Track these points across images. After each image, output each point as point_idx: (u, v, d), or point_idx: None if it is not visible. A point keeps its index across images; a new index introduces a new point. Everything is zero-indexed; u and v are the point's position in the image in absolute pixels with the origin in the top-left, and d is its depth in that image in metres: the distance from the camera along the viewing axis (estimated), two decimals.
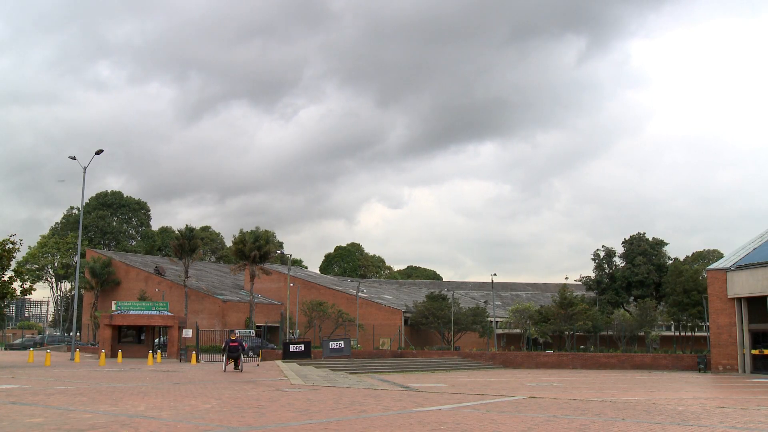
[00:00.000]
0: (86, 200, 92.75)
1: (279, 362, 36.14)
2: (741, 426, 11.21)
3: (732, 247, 49.92)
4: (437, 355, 49.05)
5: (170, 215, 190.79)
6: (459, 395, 17.35)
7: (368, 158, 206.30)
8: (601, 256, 68.69)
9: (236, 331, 50.66)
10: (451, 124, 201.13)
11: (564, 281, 68.73)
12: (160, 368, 31.45)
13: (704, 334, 55.43)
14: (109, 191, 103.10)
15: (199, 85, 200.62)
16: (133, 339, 48.80)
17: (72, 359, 40.55)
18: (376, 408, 13.63)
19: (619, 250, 68.59)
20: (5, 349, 69.64)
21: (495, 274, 63.41)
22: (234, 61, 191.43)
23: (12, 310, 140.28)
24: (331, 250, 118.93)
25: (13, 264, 35.50)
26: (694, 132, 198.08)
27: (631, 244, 67.63)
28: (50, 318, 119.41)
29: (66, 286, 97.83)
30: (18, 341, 73.66)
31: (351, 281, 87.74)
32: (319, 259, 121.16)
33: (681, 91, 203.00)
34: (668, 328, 66.21)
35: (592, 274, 68.67)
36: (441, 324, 60.39)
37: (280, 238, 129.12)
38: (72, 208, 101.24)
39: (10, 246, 33.66)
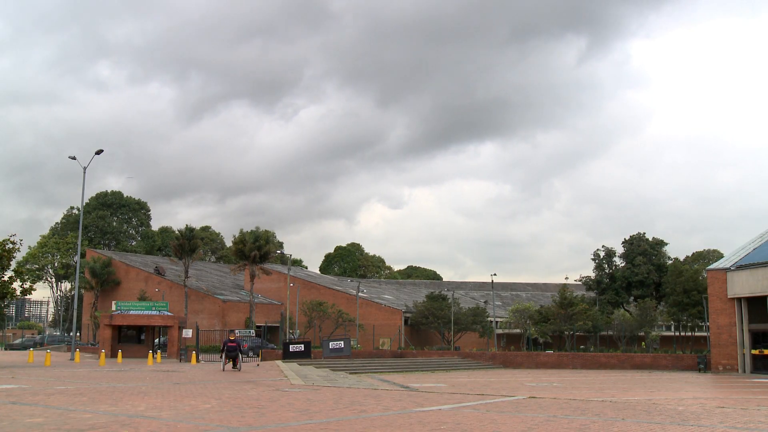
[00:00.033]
0: (86, 200, 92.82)
1: (279, 362, 36.13)
2: (741, 426, 11.21)
3: (732, 247, 49.97)
4: (437, 355, 49.05)
5: (170, 215, 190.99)
6: (459, 395, 17.35)
7: (368, 158, 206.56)
8: (601, 256, 68.69)
9: (236, 331, 50.63)
10: (451, 124, 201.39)
11: (564, 281, 68.78)
12: (160, 368, 31.45)
13: (704, 334, 55.43)
14: (109, 191, 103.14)
15: (200, 85, 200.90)
16: (133, 339, 48.81)
17: (72, 359, 40.54)
18: (376, 408, 13.62)
19: (619, 250, 68.65)
20: (5, 349, 69.63)
21: (495, 274, 63.47)
22: (234, 61, 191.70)
23: (12, 310, 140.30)
24: (331, 250, 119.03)
25: (13, 264, 35.52)
26: (695, 132, 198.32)
27: (631, 244, 67.62)
28: (50, 318, 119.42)
29: (66, 286, 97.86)
30: (18, 341, 73.65)
31: (351, 281, 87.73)
32: (319, 259, 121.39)
33: (681, 91, 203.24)
34: (668, 328, 66.20)
35: (592, 274, 68.67)
36: (441, 324, 60.39)
37: (280, 238, 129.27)
38: (72, 208, 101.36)
39: (10, 246, 33.67)
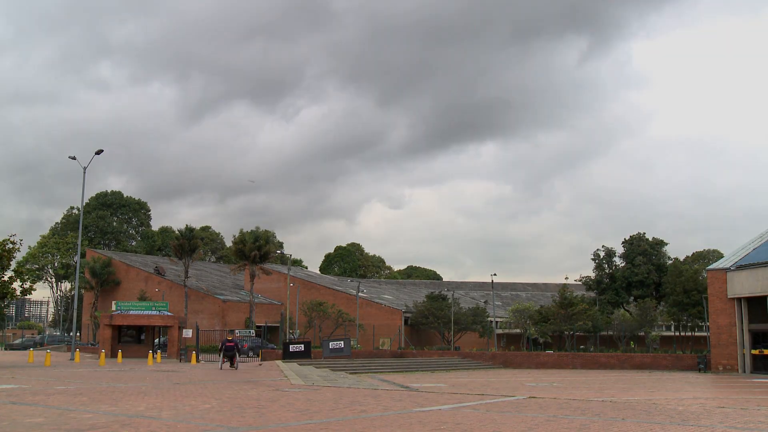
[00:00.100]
0: (86, 200, 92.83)
1: (279, 362, 36.13)
2: (741, 426, 11.21)
3: (732, 247, 49.96)
4: (437, 355, 49.04)
5: (171, 215, 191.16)
6: (459, 395, 17.35)
7: (369, 158, 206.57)
8: (601, 256, 68.68)
9: (236, 331, 50.68)
10: (452, 124, 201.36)
11: (564, 281, 68.71)
12: (160, 368, 31.45)
13: (704, 334, 55.41)
14: (109, 191, 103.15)
15: (201, 85, 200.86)
16: (133, 339, 48.81)
17: (72, 359, 40.54)
18: (376, 408, 13.62)
19: (619, 250, 68.64)
20: (5, 349, 69.62)
21: (495, 274, 63.43)
22: (235, 61, 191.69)
23: (12, 310, 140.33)
24: (331, 250, 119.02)
25: (13, 264, 35.51)
26: (695, 132, 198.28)
27: (631, 244, 67.62)
28: (50, 318, 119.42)
29: (66, 286, 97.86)
30: (18, 341, 73.61)
31: (351, 281, 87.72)
32: (319, 259, 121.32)
33: (682, 91, 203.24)
34: (668, 328, 66.19)
35: (592, 274, 68.65)
36: (441, 324, 60.38)
37: (280, 238, 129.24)
38: (72, 208, 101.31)
39: (10, 246, 33.67)
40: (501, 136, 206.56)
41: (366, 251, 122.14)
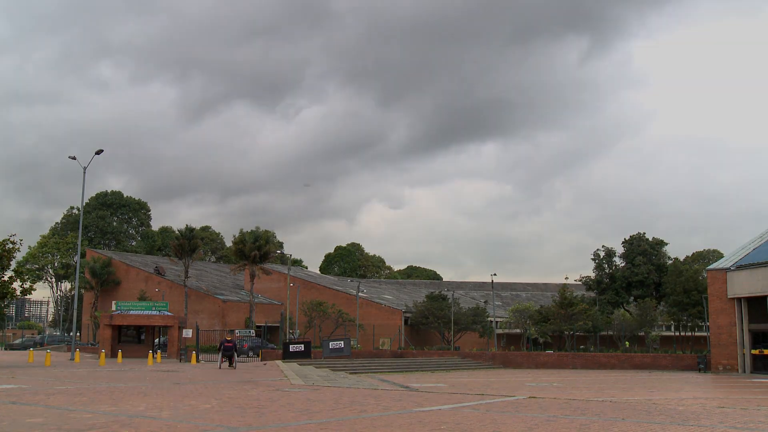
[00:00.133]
0: (86, 200, 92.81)
1: (279, 362, 36.14)
2: (741, 426, 11.21)
3: (732, 247, 49.92)
4: (437, 355, 49.03)
5: (171, 215, 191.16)
6: (459, 395, 17.35)
7: (369, 158, 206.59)
8: (601, 256, 68.65)
9: (236, 331, 50.73)
10: (452, 124, 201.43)
11: (564, 281, 68.69)
12: (160, 368, 31.46)
13: (704, 334, 55.38)
14: (109, 191, 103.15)
15: (201, 85, 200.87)
16: (133, 339, 48.81)
17: (72, 359, 40.55)
18: (376, 408, 13.63)
19: (619, 250, 68.62)
20: (5, 349, 69.62)
21: (495, 274, 63.40)
22: (236, 61, 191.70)
23: (12, 310, 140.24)
24: (332, 250, 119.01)
25: (13, 264, 35.51)
26: (695, 132, 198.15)
27: (631, 244, 67.60)
28: (50, 318, 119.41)
29: (66, 286, 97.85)
30: (18, 341, 73.61)
31: (351, 281, 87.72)
32: (320, 259, 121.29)
33: (682, 91, 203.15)
34: (668, 328, 66.17)
35: (592, 274, 68.61)
36: (441, 324, 60.37)
37: (280, 238, 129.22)
38: (72, 208, 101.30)
39: (10, 246, 33.68)
40: (501, 136, 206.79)
41: (366, 251, 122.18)
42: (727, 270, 37.82)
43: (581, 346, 57.28)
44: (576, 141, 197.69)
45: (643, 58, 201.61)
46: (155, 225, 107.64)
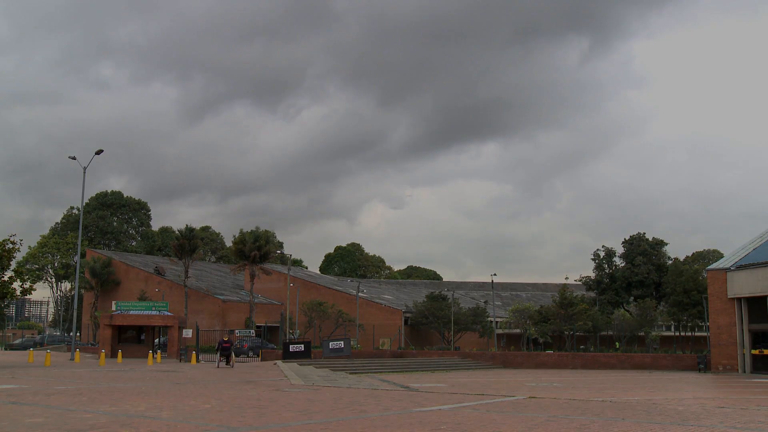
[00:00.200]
0: (86, 200, 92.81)
1: (279, 362, 36.14)
2: (741, 426, 11.22)
3: (732, 247, 49.95)
4: (437, 355, 49.01)
5: (171, 215, 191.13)
6: (459, 395, 17.35)
7: (370, 158, 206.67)
8: (601, 256, 68.67)
9: (236, 331, 50.74)
10: (453, 124, 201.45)
11: (564, 281, 68.70)
12: (160, 368, 31.46)
13: (704, 334, 55.38)
14: (109, 191, 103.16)
15: (202, 85, 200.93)
16: (133, 339, 48.80)
17: (72, 359, 40.54)
18: (376, 408, 13.63)
19: (619, 250, 68.63)
20: (5, 349, 69.63)
21: (495, 274, 63.37)
22: (237, 61, 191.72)
23: (12, 310, 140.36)
24: (332, 250, 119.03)
25: (13, 264, 35.51)
26: (696, 132, 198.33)
27: (631, 244, 67.61)
28: (50, 318, 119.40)
29: (66, 286, 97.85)
30: (18, 341, 73.61)
31: (351, 281, 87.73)
32: (320, 259, 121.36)
33: (682, 91, 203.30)
34: (668, 328, 66.16)
35: (592, 274, 68.64)
36: (441, 324, 60.37)
37: (281, 238, 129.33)
38: (72, 208, 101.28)
39: (10, 246, 33.68)
40: (502, 136, 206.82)
41: (366, 251, 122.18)
42: (727, 270, 37.83)
43: (581, 346, 57.25)
44: (576, 141, 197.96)
45: (644, 59, 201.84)
46: (155, 225, 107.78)
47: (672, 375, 35.83)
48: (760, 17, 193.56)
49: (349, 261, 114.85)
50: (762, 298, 35.71)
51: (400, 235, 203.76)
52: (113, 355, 43.73)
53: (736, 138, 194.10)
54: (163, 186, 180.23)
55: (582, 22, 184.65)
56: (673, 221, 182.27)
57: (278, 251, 77.43)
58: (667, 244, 68.37)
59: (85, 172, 43.08)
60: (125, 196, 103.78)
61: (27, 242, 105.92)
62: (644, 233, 68.53)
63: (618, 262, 68.47)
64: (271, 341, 60.96)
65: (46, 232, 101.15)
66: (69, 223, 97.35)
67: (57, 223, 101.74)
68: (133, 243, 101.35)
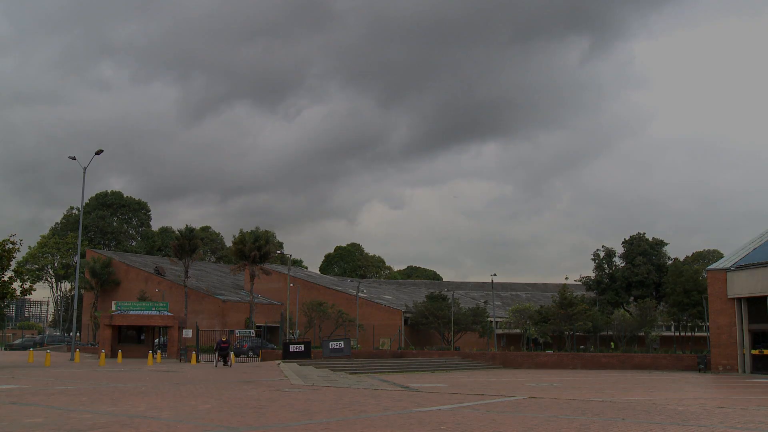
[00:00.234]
0: (86, 200, 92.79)
1: (279, 362, 36.14)
2: (741, 426, 11.22)
3: (732, 247, 49.95)
4: (437, 355, 49.00)
5: (171, 215, 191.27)
6: (459, 395, 17.35)
7: (370, 158, 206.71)
8: (601, 257, 68.68)
9: (236, 331, 50.71)
10: (453, 124, 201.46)
11: (564, 281, 68.72)
12: (160, 368, 31.45)
13: (704, 334, 55.38)
14: (109, 191, 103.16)
15: (202, 85, 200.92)
16: (133, 339, 48.80)
17: (72, 359, 40.54)
18: (376, 408, 13.63)
19: (619, 250, 68.64)
20: (5, 349, 69.62)
21: (495, 275, 63.37)
22: (237, 61, 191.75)
23: (12, 311, 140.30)
24: (332, 251, 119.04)
25: (13, 264, 35.50)
26: (696, 133, 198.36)
27: (631, 244, 67.61)
28: (50, 318, 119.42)
29: (66, 286, 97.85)
30: (18, 341, 73.62)
31: (351, 281, 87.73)
32: (320, 259, 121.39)
33: (683, 91, 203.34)
34: (668, 328, 66.17)
35: (592, 274, 68.64)
36: (441, 324, 60.36)
37: (281, 238, 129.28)
38: (72, 208, 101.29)
39: (10, 246, 33.68)
40: (502, 136, 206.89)
41: (366, 251, 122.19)
42: (727, 270, 37.82)
43: (581, 347, 57.25)
44: (576, 141, 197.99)
45: (644, 59, 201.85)
46: (155, 225, 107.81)
47: (672, 375, 35.82)
48: (760, 17, 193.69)
49: (349, 261, 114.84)
50: (762, 298, 35.70)
51: (400, 235, 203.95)
52: (113, 355, 43.73)
53: (736, 138, 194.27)
54: (163, 186, 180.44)
55: (582, 23, 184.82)
56: (673, 221, 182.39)
57: (278, 251, 77.42)
58: (667, 244, 68.44)
59: (85, 172, 43.10)
60: (125, 196, 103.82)
61: (27, 242, 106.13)
62: (644, 233, 68.59)
63: (618, 262, 68.50)
64: (271, 341, 60.95)
65: (46, 232, 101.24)
66: (69, 223, 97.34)
67: (57, 223, 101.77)
68: (133, 243, 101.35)
